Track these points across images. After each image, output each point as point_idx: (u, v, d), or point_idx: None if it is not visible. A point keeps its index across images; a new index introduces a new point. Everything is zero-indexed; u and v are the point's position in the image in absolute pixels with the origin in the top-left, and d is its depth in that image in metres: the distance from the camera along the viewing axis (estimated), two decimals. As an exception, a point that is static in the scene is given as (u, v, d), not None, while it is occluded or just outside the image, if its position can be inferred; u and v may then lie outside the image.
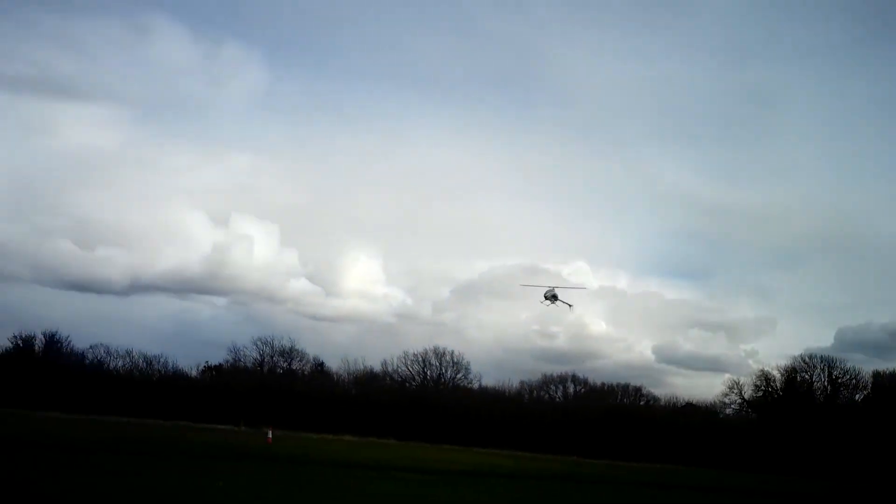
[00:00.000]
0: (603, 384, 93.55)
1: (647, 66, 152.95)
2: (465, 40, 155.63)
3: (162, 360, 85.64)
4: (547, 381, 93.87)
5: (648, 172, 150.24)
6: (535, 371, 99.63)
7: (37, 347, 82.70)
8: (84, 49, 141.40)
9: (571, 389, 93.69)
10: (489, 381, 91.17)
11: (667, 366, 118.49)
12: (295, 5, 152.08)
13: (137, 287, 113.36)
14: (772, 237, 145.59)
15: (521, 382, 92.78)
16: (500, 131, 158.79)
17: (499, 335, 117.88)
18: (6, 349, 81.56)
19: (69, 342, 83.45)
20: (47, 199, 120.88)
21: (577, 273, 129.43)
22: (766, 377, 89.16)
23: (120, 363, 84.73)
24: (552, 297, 54.57)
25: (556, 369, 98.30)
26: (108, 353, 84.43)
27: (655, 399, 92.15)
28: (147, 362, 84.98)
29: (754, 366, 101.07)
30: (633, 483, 44.75)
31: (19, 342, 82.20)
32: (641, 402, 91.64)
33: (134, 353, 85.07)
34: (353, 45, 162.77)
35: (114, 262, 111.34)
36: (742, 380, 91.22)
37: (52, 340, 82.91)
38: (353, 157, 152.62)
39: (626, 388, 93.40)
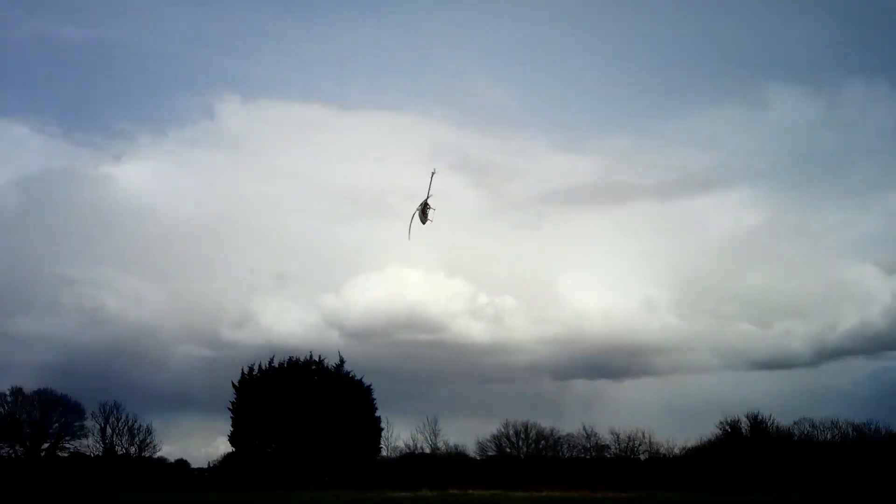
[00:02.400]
0: None
1: None
2: None
3: (873, 425, 78.41)
4: None
5: None
6: None
7: (743, 430, 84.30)
8: (714, 141, 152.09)
9: None
10: None
11: None
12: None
13: (824, 354, 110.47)
14: None
15: None
16: None
17: None
18: (716, 436, 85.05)
19: (773, 421, 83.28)
20: (717, 288, 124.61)
21: None
22: None
23: (828, 435, 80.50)
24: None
25: None
26: (812, 426, 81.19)
27: None
28: (856, 430, 78.78)
29: None
30: None
31: (727, 427, 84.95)
32: None
33: (840, 423, 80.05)
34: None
35: (793, 334, 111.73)
36: None
37: (756, 421, 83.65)
38: None
39: None
